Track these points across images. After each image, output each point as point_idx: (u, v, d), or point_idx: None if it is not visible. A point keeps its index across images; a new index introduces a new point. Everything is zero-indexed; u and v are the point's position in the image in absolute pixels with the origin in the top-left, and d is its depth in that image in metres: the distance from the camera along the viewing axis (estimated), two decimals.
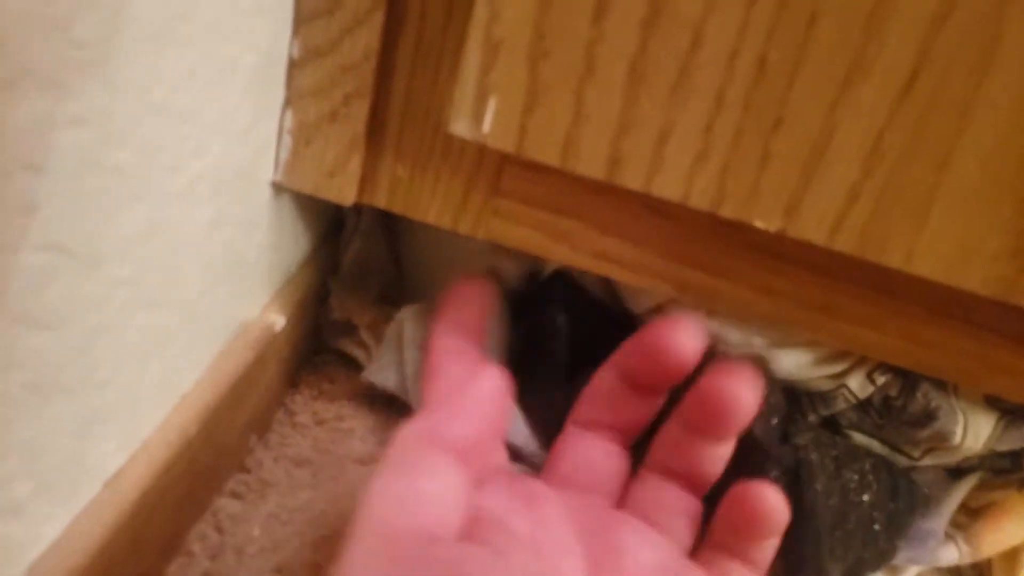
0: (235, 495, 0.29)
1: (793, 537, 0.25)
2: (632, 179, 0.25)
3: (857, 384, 0.30)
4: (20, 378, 0.16)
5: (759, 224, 0.25)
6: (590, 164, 0.25)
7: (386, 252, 0.38)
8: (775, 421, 0.30)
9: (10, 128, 0.14)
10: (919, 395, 0.30)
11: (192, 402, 0.26)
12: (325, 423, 0.33)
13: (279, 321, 0.31)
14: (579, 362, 0.31)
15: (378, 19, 0.25)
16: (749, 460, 0.28)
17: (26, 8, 0.13)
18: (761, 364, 0.30)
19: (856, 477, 0.29)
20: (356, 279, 0.37)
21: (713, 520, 0.25)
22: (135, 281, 0.20)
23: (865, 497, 0.28)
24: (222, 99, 0.22)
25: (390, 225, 0.39)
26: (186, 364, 0.26)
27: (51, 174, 0.15)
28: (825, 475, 0.28)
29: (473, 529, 0.20)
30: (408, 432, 0.21)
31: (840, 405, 0.30)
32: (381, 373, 0.33)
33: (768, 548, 0.24)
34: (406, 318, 0.34)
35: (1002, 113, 0.22)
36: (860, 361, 0.30)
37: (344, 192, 0.28)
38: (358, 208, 0.36)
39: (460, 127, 0.25)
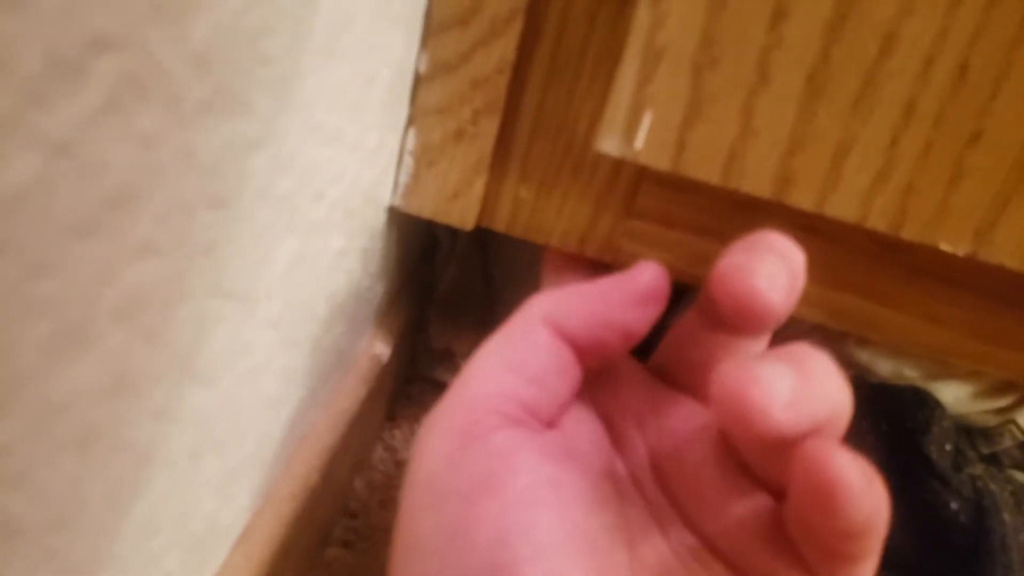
0: (345, 544, 0.27)
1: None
2: (803, 198, 0.22)
3: None
4: (184, 440, 0.14)
5: (945, 247, 0.22)
6: (756, 182, 0.22)
7: (481, 276, 0.36)
8: (948, 447, 0.27)
9: (202, 157, 0.12)
10: None
11: (311, 446, 0.24)
12: None
13: (385, 352, 0.29)
14: None
15: (516, 28, 0.23)
16: (924, 489, 0.25)
17: (221, 21, 0.11)
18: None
19: None
20: (453, 305, 0.35)
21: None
22: (280, 322, 0.18)
23: None
24: (361, 119, 0.20)
25: (483, 247, 0.37)
26: (309, 405, 0.23)
27: (230, 208, 0.13)
28: (1008, 509, 0.25)
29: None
30: (532, 304, 0.19)
31: (1006, 442, 0.27)
32: None
33: (851, 556, 0.15)
34: None
35: None
36: None
37: (466, 216, 0.26)
38: (452, 230, 0.34)
39: (608, 144, 0.22)
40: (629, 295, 0.19)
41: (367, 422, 0.29)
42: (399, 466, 0.31)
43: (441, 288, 0.35)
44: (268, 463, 0.20)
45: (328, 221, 0.20)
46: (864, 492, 0.14)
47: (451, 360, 0.34)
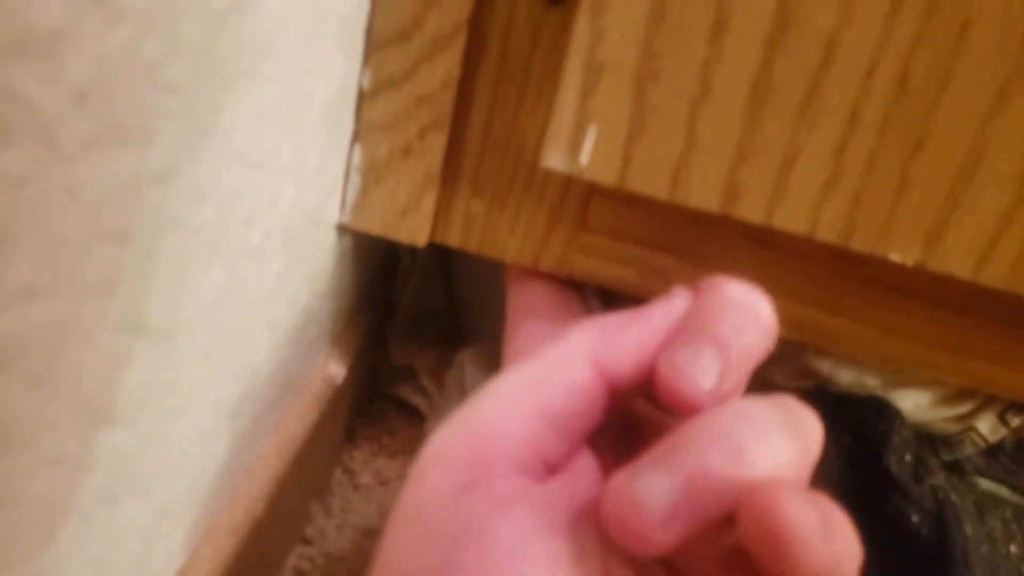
0: (299, 573, 0.26)
1: None
2: (751, 211, 0.22)
3: (987, 426, 0.27)
4: (95, 485, 0.14)
5: (895, 258, 0.22)
6: (702, 196, 0.22)
7: (443, 291, 0.36)
8: (908, 458, 0.27)
9: (92, 194, 0.11)
10: None
11: (258, 475, 0.23)
12: (389, 483, 0.31)
13: (340, 373, 0.29)
14: None
15: (459, 44, 0.22)
16: (886, 502, 0.25)
17: (107, 53, 0.11)
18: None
19: (1000, 525, 0.26)
20: (414, 321, 0.34)
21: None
22: (209, 353, 0.18)
23: (1012, 548, 0.25)
24: (296, 140, 0.20)
25: (446, 262, 0.36)
26: (252, 434, 0.23)
27: (133, 243, 0.13)
28: (970, 520, 0.25)
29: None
30: (579, 338, 0.17)
31: (967, 449, 0.27)
32: None
33: None
34: (466, 363, 0.31)
35: None
36: (989, 401, 0.27)
37: (416, 232, 0.26)
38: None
39: (554, 160, 0.22)
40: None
41: (322, 446, 0.28)
42: (357, 490, 0.30)
43: (402, 304, 0.34)
44: (204, 499, 0.20)
45: (262, 247, 0.19)
46: (819, 539, 0.13)
47: (413, 378, 0.34)
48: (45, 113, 0.10)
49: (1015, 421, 0.27)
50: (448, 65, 0.23)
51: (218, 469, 0.20)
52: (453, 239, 0.26)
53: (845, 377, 0.27)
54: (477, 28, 0.23)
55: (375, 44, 0.23)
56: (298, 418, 0.26)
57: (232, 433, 0.21)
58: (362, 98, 0.24)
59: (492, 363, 0.31)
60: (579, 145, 0.22)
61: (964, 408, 0.27)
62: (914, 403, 0.27)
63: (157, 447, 0.16)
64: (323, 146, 0.22)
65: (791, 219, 0.22)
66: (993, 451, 0.27)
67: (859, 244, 0.22)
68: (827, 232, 0.22)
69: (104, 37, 0.10)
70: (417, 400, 0.33)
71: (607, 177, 0.22)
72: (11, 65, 0.09)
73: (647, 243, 0.25)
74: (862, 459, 0.26)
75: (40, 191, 0.10)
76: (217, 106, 0.14)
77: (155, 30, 0.12)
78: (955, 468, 0.28)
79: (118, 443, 0.14)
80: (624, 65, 0.21)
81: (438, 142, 0.24)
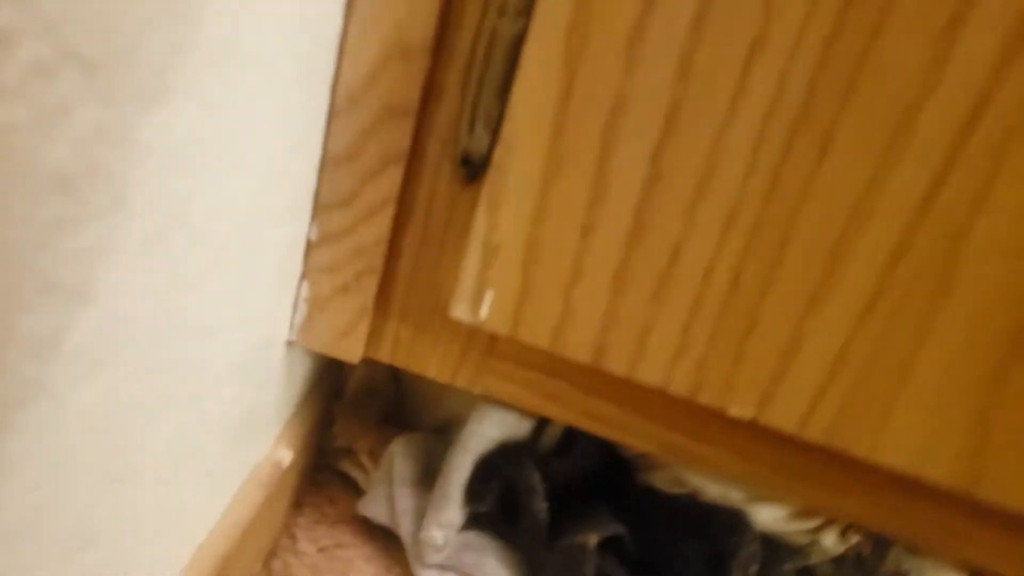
0: None
1: None
2: (616, 366, 0.27)
3: (831, 541, 0.32)
4: None
5: (734, 412, 0.27)
6: (577, 351, 0.27)
7: (388, 373, 0.41)
8: (753, 569, 0.31)
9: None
10: (891, 556, 0.31)
11: (207, 554, 0.28)
12: (326, 551, 0.35)
13: (287, 457, 0.33)
14: (569, 513, 0.33)
15: (390, 211, 0.27)
16: None
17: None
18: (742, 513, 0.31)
19: None
20: (359, 403, 0.39)
21: None
22: (168, 481, 0.22)
23: None
24: (250, 298, 0.25)
25: None
26: (202, 522, 0.28)
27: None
28: None
29: None
30: None
31: (814, 559, 0.32)
32: (373, 506, 0.35)
33: None
34: (396, 453, 0.36)
35: (959, 334, 0.24)
36: (832, 519, 0.32)
37: (352, 352, 0.30)
38: None
39: (460, 312, 0.27)
40: None
41: (267, 522, 0.33)
42: (298, 555, 0.35)
43: (349, 388, 0.39)
44: None
45: (216, 386, 0.24)
46: None
47: (353, 456, 0.38)
48: None
49: (854, 538, 0.31)
50: (380, 227, 0.28)
51: (168, 553, 0.25)
52: (384, 356, 0.31)
53: (713, 490, 0.32)
54: (404, 199, 0.28)
55: (322, 208, 0.28)
56: (244, 501, 0.30)
57: (181, 528, 0.25)
58: (310, 246, 0.28)
59: (420, 454, 0.36)
60: (479, 304, 0.27)
61: (812, 524, 0.32)
62: (771, 516, 0.32)
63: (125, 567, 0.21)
64: (279, 285, 0.27)
65: (649, 375, 0.27)
66: (838, 561, 0.32)
67: (705, 399, 0.27)
68: (678, 387, 0.27)
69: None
70: (357, 475, 0.38)
71: (502, 329, 0.27)
72: None
73: (543, 371, 0.30)
74: (716, 565, 0.30)
75: None
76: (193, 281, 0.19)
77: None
78: (807, 574, 0.33)
79: (92, 561, 0.19)
80: (513, 249, 0.26)
81: (371, 284, 0.29)
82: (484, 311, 0.27)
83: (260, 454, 0.32)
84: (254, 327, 0.26)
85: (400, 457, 0.35)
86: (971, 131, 0.22)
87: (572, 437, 0.35)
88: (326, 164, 0.27)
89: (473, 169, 0.27)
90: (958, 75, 0.21)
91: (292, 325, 0.30)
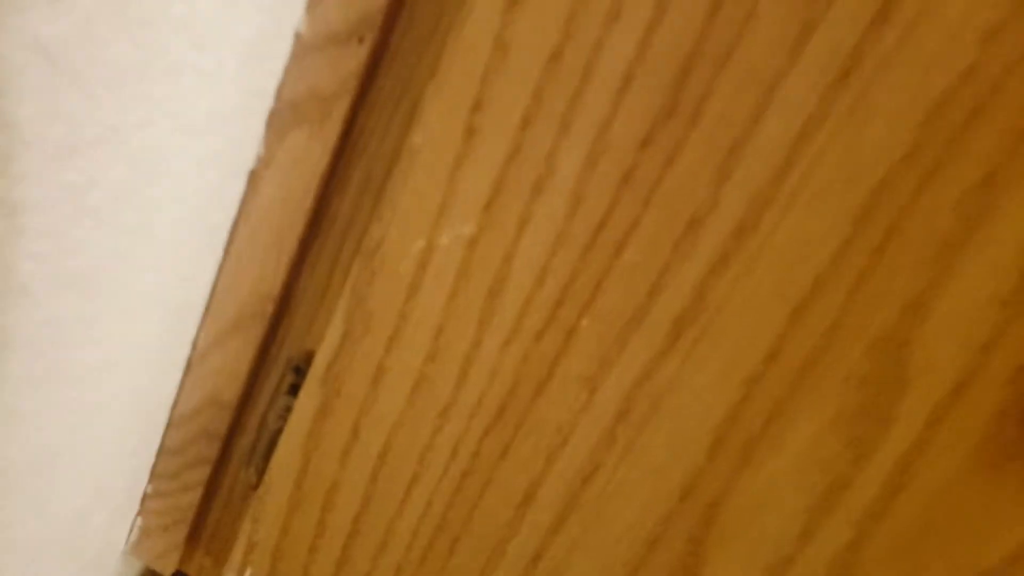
0: None
1: None
2: None
3: None
4: None
5: None
6: None
7: None
8: None
9: None
10: None
11: None
12: None
13: None
14: None
15: (199, 492, 0.39)
16: None
17: None
18: None
19: None
20: None
21: None
22: None
23: None
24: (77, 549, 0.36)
25: None
26: None
27: None
28: None
29: None
30: None
31: None
32: None
33: None
34: None
35: None
36: None
37: (167, 568, 0.41)
38: None
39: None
40: None
41: None
42: None
43: None
44: None
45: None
46: None
47: None
48: None
49: None
50: (195, 495, 0.39)
51: None
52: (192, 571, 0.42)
53: None
54: (213, 481, 0.39)
55: (155, 473, 0.39)
56: None
57: None
58: (145, 496, 0.40)
59: None
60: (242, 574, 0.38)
61: None
62: None
63: None
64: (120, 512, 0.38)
65: None
66: None
67: None
68: None
69: None
70: None
71: None
72: None
73: None
74: None
75: None
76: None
77: None
78: None
79: None
80: (266, 549, 0.36)
81: (183, 531, 0.40)
82: None
83: None
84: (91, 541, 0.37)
85: None
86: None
87: None
88: (161, 451, 0.38)
89: (257, 480, 0.38)
90: None
91: (127, 544, 0.41)
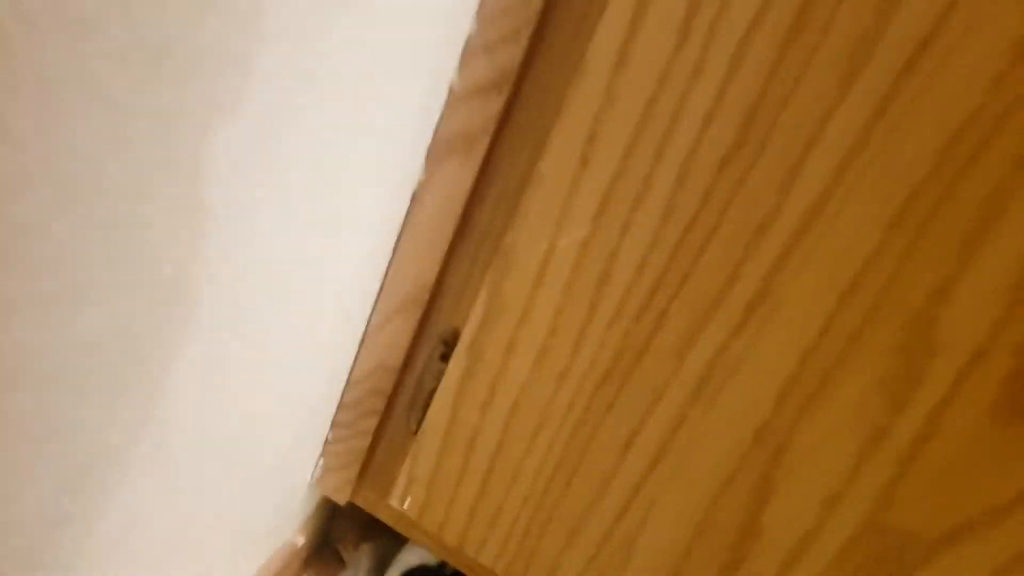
0: None
1: None
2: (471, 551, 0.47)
3: None
4: None
5: None
6: (450, 539, 0.48)
7: None
8: None
9: None
10: None
11: None
12: None
13: (300, 541, 0.56)
14: None
15: (373, 422, 0.50)
16: None
17: None
18: None
19: None
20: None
21: None
22: (216, 549, 0.45)
23: None
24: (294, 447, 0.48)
25: None
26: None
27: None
28: None
29: None
30: None
31: None
32: None
33: None
34: (364, 551, 0.58)
35: None
36: None
37: (342, 498, 0.53)
38: None
39: (393, 502, 0.49)
40: None
41: None
42: None
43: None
44: None
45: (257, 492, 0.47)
46: None
47: (344, 545, 0.61)
48: None
49: None
50: (367, 435, 0.50)
51: None
52: (360, 503, 0.53)
53: None
54: (383, 422, 0.50)
55: (340, 408, 0.50)
56: (270, 568, 0.53)
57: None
58: (326, 442, 0.51)
59: (379, 556, 0.58)
60: (403, 501, 0.48)
61: None
62: None
63: None
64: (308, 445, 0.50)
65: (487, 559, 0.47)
66: None
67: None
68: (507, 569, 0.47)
69: None
70: (346, 556, 0.60)
71: (414, 518, 0.48)
72: None
73: (437, 542, 0.51)
74: None
75: None
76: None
77: None
78: None
79: None
80: (423, 480, 0.47)
81: (356, 466, 0.51)
82: (406, 505, 0.48)
83: (284, 538, 0.55)
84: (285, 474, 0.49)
85: (366, 555, 0.57)
86: None
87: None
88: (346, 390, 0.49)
89: (416, 427, 0.48)
90: None
91: (312, 480, 0.53)
